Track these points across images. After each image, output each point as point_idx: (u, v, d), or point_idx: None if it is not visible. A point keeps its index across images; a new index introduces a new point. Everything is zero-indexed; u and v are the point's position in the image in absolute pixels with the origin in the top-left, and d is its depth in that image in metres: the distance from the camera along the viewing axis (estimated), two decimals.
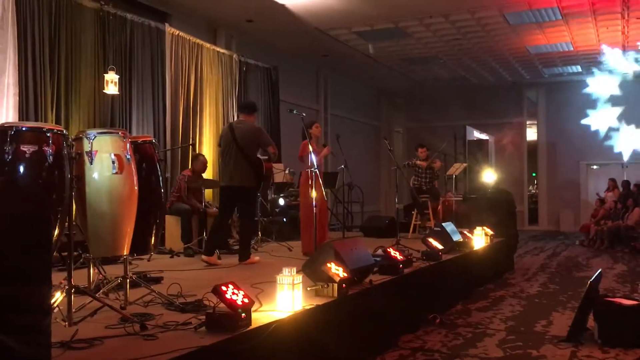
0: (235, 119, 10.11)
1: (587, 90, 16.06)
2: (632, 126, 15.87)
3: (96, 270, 4.02)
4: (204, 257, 6.02)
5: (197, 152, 8.53)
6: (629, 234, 11.55)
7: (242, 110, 6.41)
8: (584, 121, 16.32)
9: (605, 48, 12.51)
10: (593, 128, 16.30)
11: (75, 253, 4.85)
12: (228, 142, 6.08)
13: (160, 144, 8.32)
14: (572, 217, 16.72)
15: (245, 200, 6.11)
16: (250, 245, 6.40)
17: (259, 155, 6.35)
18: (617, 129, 16.05)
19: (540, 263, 9.65)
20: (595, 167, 16.89)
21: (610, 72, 14.82)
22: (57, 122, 6.85)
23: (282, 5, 9.91)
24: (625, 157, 15.91)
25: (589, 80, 15.83)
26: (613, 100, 16.08)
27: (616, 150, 16.08)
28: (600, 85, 15.86)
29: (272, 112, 11.32)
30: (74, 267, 3.39)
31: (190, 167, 7.95)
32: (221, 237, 6.45)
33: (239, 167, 5.99)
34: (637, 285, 7.35)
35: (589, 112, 16.24)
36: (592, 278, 4.75)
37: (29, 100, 6.56)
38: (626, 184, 13.43)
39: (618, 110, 15.99)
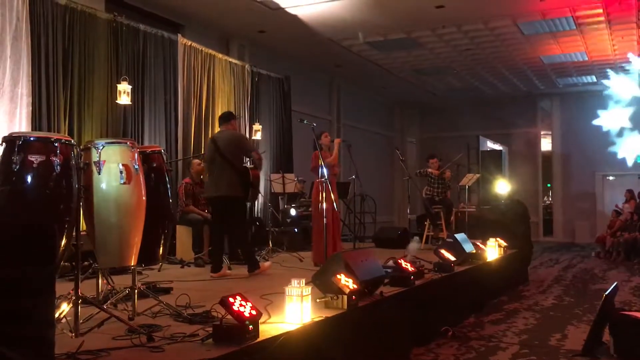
0: (247, 129, 10.14)
1: (608, 92, 15.75)
2: (636, 131, 15.58)
3: (105, 281, 4.00)
4: (212, 274, 5.83)
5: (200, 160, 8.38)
6: None
7: (220, 122, 6.27)
8: (595, 122, 16.02)
9: (631, 56, 12.36)
10: (605, 128, 15.99)
11: (85, 263, 4.88)
12: (212, 153, 5.93)
13: (171, 154, 8.33)
14: (588, 229, 16.51)
15: (233, 210, 5.90)
16: (253, 253, 6.23)
17: (247, 165, 6.26)
18: (631, 129, 15.71)
19: (555, 275, 9.52)
20: (611, 177, 16.68)
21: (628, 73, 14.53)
22: (70, 132, 6.87)
23: (294, 16, 9.93)
24: (629, 163, 15.60)
25: (608, 82, 15.57)
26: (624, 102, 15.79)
27: (619, 156, 15.76)
28: (621, 86, 15.58)
29: (284, 123, 11.32)
30: (83, 278, 3.38)
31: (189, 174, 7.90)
32: (222, 250, 6.25)
33: (224, 176, 5.80)
34: None
35: (599, 112, 15.92)
36: (608, 291, 4.66)
37: (41, 111, 6.59)
38: None
39: (630, 110, 15.66)
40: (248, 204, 6.42)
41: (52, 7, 6.80)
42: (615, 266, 10.92)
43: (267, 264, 6.16)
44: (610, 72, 14.05)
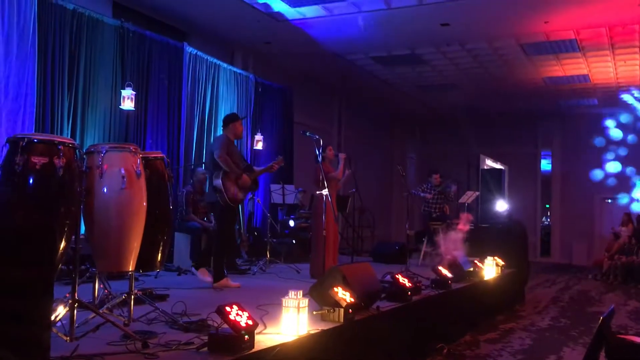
0: (249, 139, 10.15)
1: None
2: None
3: (102, 285, 4.00)
4: (215, 284, 5.66)
5: (204, 169, 8.36)
6: None
7: None
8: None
9: None
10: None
11: (82, 267, 4.87)
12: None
13: (173, 161, 8.33)
14: (585, 250, 16.49)
15: (215, 216, 5.91)
16: (219, 265, 5.74)
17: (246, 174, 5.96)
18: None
19: (551, 296, 9.50)
20: (609, 200, 16.71)
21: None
22: (72, 135, 6.89)
23: (300, 29, 9.99)
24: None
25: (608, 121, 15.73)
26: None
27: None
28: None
29: (286, 134, 11.34)
30: (80, 282, 3.37)
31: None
32: (229, 258, 6.27)
33: (210, 182, 5.85)
34: None
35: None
36: (605, 314, 4.64)
37: (45, 112, 6.61)
38: None
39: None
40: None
41: (60, 12, 6.83)
42: (612, 289, 10.90)
43: (232, 284, 5.72)
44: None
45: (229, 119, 5.96)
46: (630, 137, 15.77)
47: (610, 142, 16.01)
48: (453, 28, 9.82)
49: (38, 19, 6.50)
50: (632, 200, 15.59)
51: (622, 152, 15.91)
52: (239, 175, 5.72)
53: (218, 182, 5.60)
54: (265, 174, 8.43)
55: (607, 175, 16.14)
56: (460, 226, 8.50)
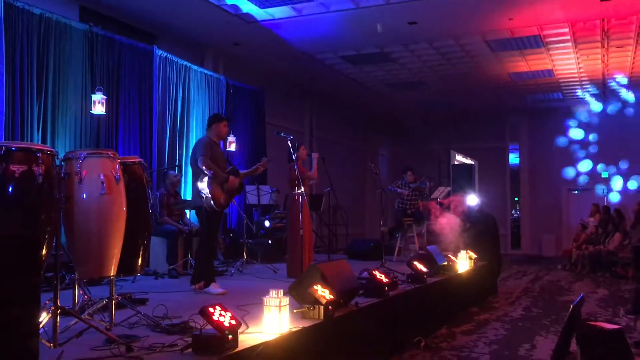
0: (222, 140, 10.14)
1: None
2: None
3: (81, 291, 3.99)
4: (209, 289, 5.47)
5: (176, 172, 8.31)
6: (609, 258, 11.68)
7: None
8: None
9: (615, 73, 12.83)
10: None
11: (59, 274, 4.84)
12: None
13: (146, 165, 8.28)
14: (554, 242, 16.87)
15: (199, 220, 5.76)
16: (201, 269, 5.59)
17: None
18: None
19: (523, 287, 9.72)
20: (576, 192, 17.11)
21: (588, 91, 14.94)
22: (43, 141, 6.83)
23: (269, 30, 10.02)
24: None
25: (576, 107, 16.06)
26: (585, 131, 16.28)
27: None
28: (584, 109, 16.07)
29: (259, 135, 11.37)
30: (60, 288, 3.37)
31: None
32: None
33: (194, 186, 5.60)
34: (619, 309, 7.42)
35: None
36: (575, 302, 4.80)
37: (15, 118, 6.54)
38: (606, 208, 13.61)
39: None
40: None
41: (27, 17, 6.76)
42: (581, 278, 11.19)
43: (218, 290, 5.42)
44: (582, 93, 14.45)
45: (213, 120, 5.78)
46: (592, 136, 16.18)
47: (575, 135, 16.39)
48: (420, 26, 9.97)
49: (5, 24, 6.42)
50: (609, 190, 15.96)
51: (591, 148, 16.29)
52: (225, 180, 5.55)
53: (203, 186, 5.40)
54: None
55: (576, 170, 16.50)
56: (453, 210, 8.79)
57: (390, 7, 9.04)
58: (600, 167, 16.07)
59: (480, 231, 8.98)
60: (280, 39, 10.54)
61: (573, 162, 16.46)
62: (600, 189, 16.00)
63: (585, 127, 16.25)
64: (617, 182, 15.87)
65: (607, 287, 9.85)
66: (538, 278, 11.12)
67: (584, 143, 16.29)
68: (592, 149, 16.20)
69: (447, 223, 8.47)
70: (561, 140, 16.42)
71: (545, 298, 8.47)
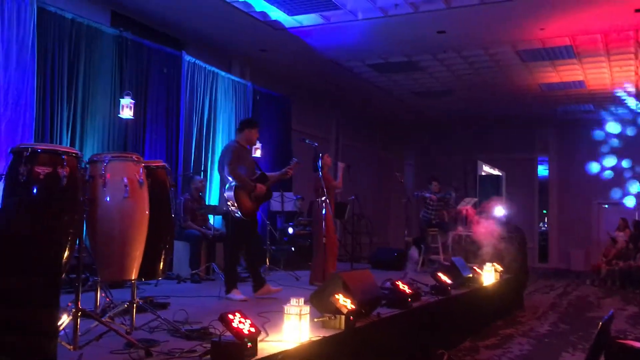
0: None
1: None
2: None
3: (103, 294, 4.01)
4: (231, 295, 5.45)
5: (201, 177, 8.35)
6: None
7: None
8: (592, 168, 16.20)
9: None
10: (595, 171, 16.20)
11: (82, 276, 4.87)
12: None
13: (172, 169, 8.35)
14: (583, 256, 16.51)
15: (226, 227, 5.71)
16: (231, 274, 5.55)
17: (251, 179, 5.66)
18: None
19: (550, 302, 9.52)
20: (606, 205, 16.76)
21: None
22: (72, 144, 6.91)
23: (297, 37, 10.03)
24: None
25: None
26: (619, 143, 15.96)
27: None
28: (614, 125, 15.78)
29: (284, 141, 11.37)
30: (82, 290, 3.38)
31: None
32: (252, 265, 5.86)
33: (221, 191, 5.58)
34: None
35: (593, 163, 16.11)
36: (605, 318, 4.66)
37: (45, 121, 6.64)
38: (637, 223, 13.28)
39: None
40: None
41: (59, 21, 6.87)
42: (610, 294, 10.93)
43: (240, 297, 5.38)
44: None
45: (246, 125, 5.67)
46: (624, 142, 15.85)
47: (606, 146, 16.07)
48: (449, 35, 9.88)
49: (37, 29, 6.53)
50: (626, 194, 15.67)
51: (620, 157, 15.96)
52: (252, 188, 5.46)
53: (230, 194, 5.32)
54: None
55: (605, 180, 16.17)
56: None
57: (419, 15, 8.98)
58: (632, 184, 15.75)
59: (507, 244, 8.83)
60: (307, 47, 10.54)
61: (603, 173, 16.13)
62: (631, 202, 15.66)
63: (617, 141, 15.93)
64: None
65: (638, 304, 9.59)
66: (566, 293, 10.89)
67: (615, 155, 15.96)
68: (626, 163, 15.88)
69: (487, 229, 8.33)
70: (594, 167, 16.15)
71: (573, 314, 8.28)
